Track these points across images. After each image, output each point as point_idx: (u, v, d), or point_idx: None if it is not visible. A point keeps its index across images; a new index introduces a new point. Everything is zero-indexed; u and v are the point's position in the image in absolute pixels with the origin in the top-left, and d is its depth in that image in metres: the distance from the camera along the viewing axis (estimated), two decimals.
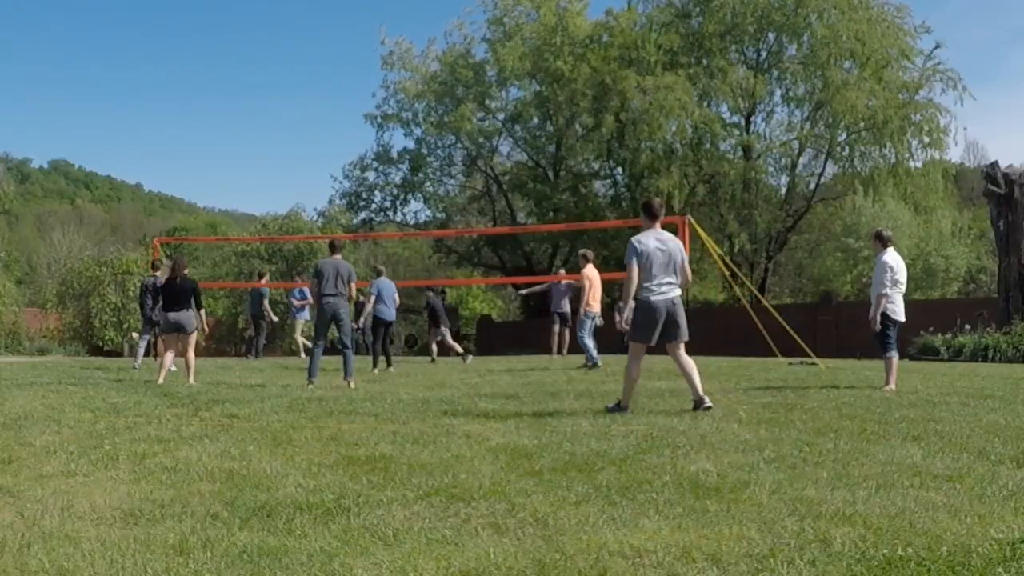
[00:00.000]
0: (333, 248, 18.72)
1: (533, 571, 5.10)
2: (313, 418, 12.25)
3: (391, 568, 5.18)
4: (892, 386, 15.48)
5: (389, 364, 23.79)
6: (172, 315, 18.80)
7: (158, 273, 20.11)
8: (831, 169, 51.55)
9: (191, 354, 19.05)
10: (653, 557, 5.31)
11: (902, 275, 15.80)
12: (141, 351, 26.52)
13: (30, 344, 48.16)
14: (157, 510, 6.75)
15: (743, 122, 50.93)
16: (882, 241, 16.10)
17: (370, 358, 23.81)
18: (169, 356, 19.14)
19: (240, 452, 9.33)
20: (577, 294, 23.93)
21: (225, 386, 17.91)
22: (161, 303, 19.64)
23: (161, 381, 18.07)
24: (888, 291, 15.58)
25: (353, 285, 18.25)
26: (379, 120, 56.75)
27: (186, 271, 19.39)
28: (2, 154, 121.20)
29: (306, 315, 32.56)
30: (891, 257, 15.78)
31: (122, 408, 13.76)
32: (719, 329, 31.75)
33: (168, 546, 5.73)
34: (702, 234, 29.79)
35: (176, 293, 18.87)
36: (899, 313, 15.78)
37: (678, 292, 12.44)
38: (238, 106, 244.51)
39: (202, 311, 19.26)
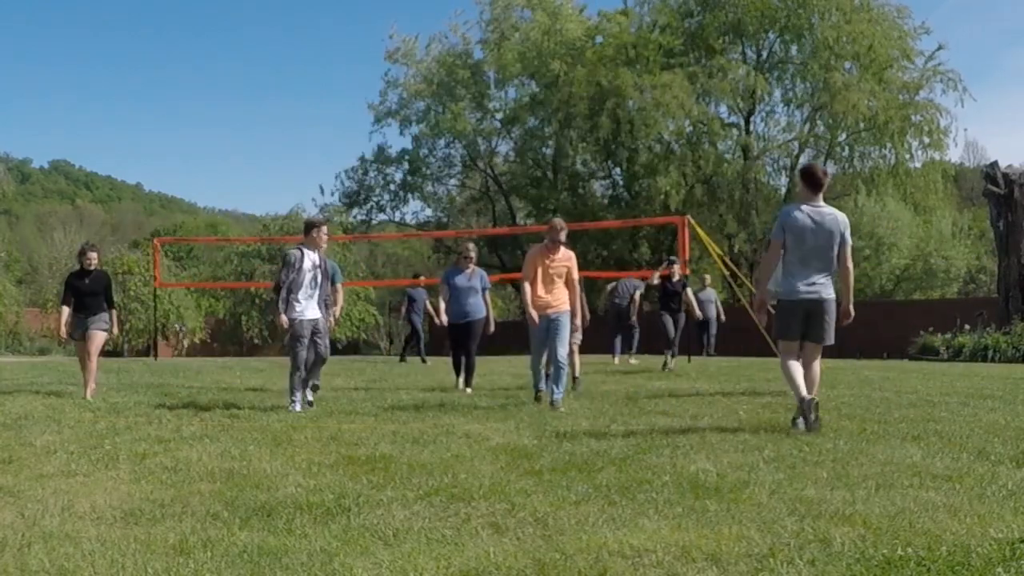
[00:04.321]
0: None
1: (533, 571, 5.10)
2: (313, 418, 12.27)
3: (391, 568, 5.17)
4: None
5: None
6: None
7: None
8: (831, 169, 51.47)
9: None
10: (653, 557, 5.31)
11: None
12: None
13: (30, 344, 48.23)
14: (157, 510, 6.75)
15: (742, 122, 50.96)
16: None
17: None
18: None
19: (240, 452, 9.33)
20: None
21: (226, 386, 17.93)
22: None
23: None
24: None
25: (339, 286, 16.70)
26: (381, 113, 56.70)
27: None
28: (2, 154, 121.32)
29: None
30: None
31: (122, 408, 13.79)
32: (719, 329, 31.72)
33: (168, 546, 5.73)
34: (702, 234, 29.87)
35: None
36: None
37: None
38: (238, 106, 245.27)
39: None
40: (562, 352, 13.35)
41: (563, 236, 13.63)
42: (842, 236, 10.36)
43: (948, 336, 29.96)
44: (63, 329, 15.67)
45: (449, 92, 54.13)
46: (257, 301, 57.86)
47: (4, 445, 9.94)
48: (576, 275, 13.87)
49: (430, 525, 6.16)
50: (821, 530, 5.82)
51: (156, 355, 39.10)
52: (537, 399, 13.85)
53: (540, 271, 13.58)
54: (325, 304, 14.01)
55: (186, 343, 52.19)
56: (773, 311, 14.78)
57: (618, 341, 25.98)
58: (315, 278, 13.54)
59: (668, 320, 22.15)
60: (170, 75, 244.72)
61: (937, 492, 6.92)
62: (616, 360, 25.27)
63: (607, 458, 8.65)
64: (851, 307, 10.55)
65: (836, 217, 10.43)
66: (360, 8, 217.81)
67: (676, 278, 22.42)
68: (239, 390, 17.00)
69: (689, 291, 23.06)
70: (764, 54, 50.93)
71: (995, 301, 32.80)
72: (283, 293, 13.28)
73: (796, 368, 10.37)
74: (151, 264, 43.52)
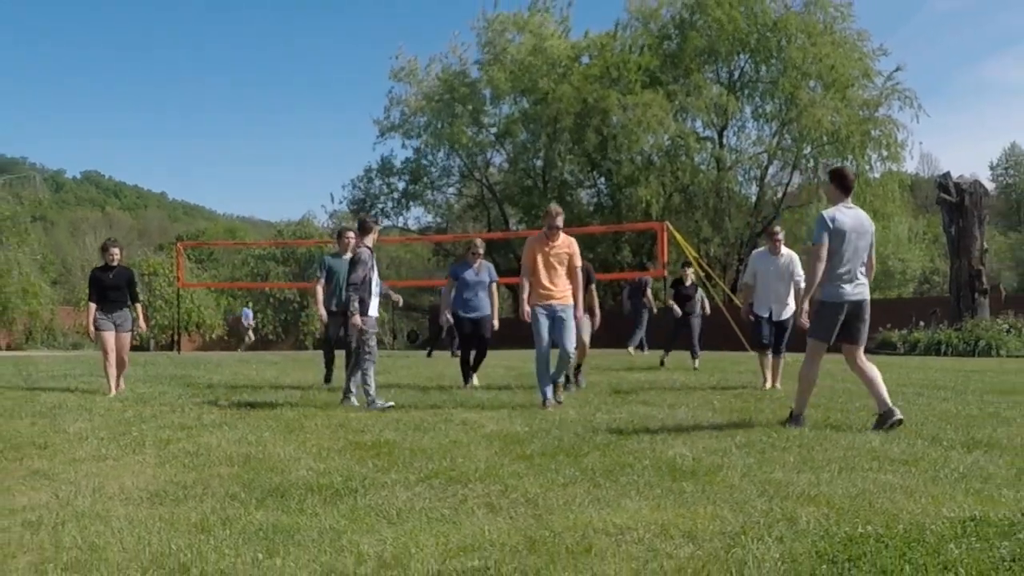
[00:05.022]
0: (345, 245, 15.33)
1: (524, 547, 5.09)
2: (323, 407, 12.26)
3: (394, 544, 5.17)
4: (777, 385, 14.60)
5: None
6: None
7: None
8: (797, 179, 51.56)
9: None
10: (634, 534, 5.31)
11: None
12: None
13: (64, 339, 48.11)
14: (180, 491, 6.75)
15: (716, 136, 50.88)
16: (771, 236, 14.74)
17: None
18: None
19: (256, 438, 9.32)
20: None
21: (243, 378, 17.90)
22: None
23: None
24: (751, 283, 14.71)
25: None
26: (385, 127, 56.82)
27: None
28: (39, 165, 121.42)
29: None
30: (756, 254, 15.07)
31: (148, 398, 13.77)
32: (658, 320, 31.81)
33: (191, 524, 5.73)
34: (679, 238, 29.91)
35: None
36: (763, 310, 14.55)
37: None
38: (255, 120, 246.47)
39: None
40: (570, 347, 11.83)
41: (559, 221, 12.10)
42: (872, 235, 9.83)
43: (904, 332, 30.04)
44: (91, 328, 14.67)
45: (448, 108, 54.16)
46: (271, 300, 57.98)
47: (40, 432, 9.94)
48: (578, 263, 12.22)
49: (430, 505, 6.16)
50: (788, 510, 5.83)
51: (179, 349, 39.10)
52: (544, 407, 11.70)
53: (541, 259, 11.98)
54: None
55: (252, 336, 51.22)
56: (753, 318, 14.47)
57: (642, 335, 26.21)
58: (377, 277, 12.81)
59: (684, 323, 20.18)
60: (194, 91, 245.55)
61: (895, 475, 6.93)
62: (662, 356, 25.41)
63: (592, 444, 8.65)
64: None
65: (867, 217, 9.93)
66: (364, 31, 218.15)
67: (689, 282, 20.58)
68: (255, 381, 16.97)
69: (701, 292, 21.44)
70: (736, 74, 50.89)
71: (947, 300, 32.89)
72: (355, 293, 12.34)
73: (815, 380, 9.93)
74: (174, 266, 43.79)
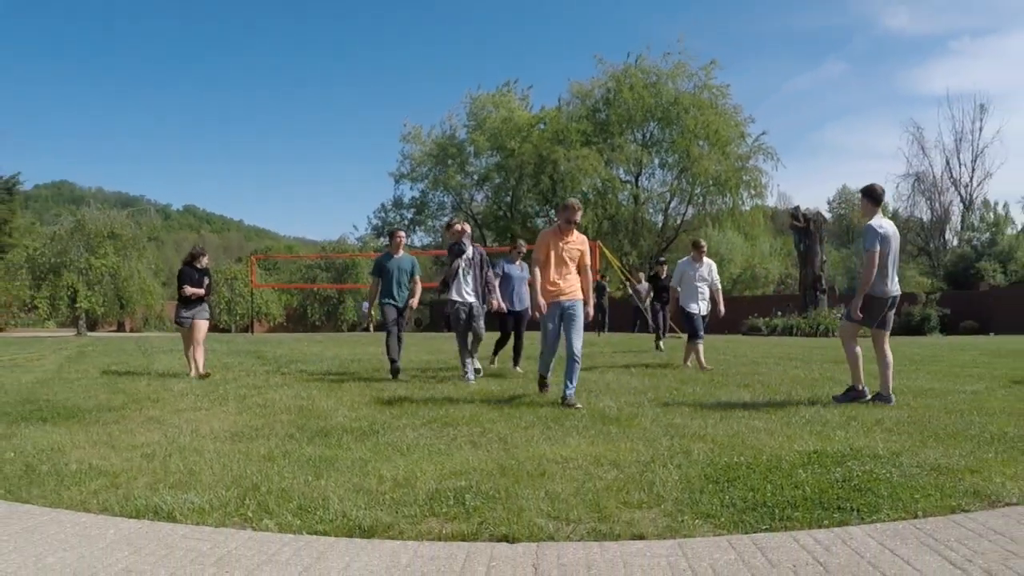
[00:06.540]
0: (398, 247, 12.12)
1: (497, 471, 5.10)
2: (355, 373, 12.24)
3: (405, 470, 5.16)
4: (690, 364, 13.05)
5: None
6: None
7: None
8: (691, 211, 51.77)
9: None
10: (575, 463, 5.32)
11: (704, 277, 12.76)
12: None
13: (170, 324, 48.50)
14: (253, 432, 6.72)
15: (634, 180, 51.00)
16: (696, 248, 12.89)
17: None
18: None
19: (307, 394, 9.29)
20: None
21: (298, 352, 17.84)
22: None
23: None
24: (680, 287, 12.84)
25: (417, 279, 11.90)
26: (397, 176, 57.40)
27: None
28: (152, 200, 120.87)
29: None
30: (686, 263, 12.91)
31: (231, 365, 13.74)
32: (616, 314, 31.83)
33: (260, 456, 5.71)
34: (607, 252, 30.06)
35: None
36: (692, 306, 12.63)
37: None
38: (309, 167, 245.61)
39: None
40: (578, 344, 8.52)
41: (578, 217, 8.85)
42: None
43: (767, 319, 30.27)
44: (189, 289, 12.32)
45: (443, 161, 54.72)
46: (318, 296, 58.19)
47: (154, 390, 9.90)
48: (589, 260, 9.01)
49: (431, 442, 6.15)
50: (685, 445, 5.85)
51: (252, 331, 39.01)
52: (542, 386, 9.22)
53: (553, 254, 8.68)
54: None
55: (372, 325, 47.83)
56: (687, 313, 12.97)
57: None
58: (464, 268, 11.22)
59: (659, 312, 17.50)
60: (265, 147, 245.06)
61: (760, 420, 6.96)
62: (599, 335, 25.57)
63: (545, 399, 8.65)
64: None
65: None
66: (378, 103, 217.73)
67: (664, 275, 17.59)
68: (306, 355, 16.91)
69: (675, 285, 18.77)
70: (647, 136, 51.00)
71: (797, 297, 33.22)
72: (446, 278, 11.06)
73: (889, 360, 8.27)
74: (249, 272, 43.99)
